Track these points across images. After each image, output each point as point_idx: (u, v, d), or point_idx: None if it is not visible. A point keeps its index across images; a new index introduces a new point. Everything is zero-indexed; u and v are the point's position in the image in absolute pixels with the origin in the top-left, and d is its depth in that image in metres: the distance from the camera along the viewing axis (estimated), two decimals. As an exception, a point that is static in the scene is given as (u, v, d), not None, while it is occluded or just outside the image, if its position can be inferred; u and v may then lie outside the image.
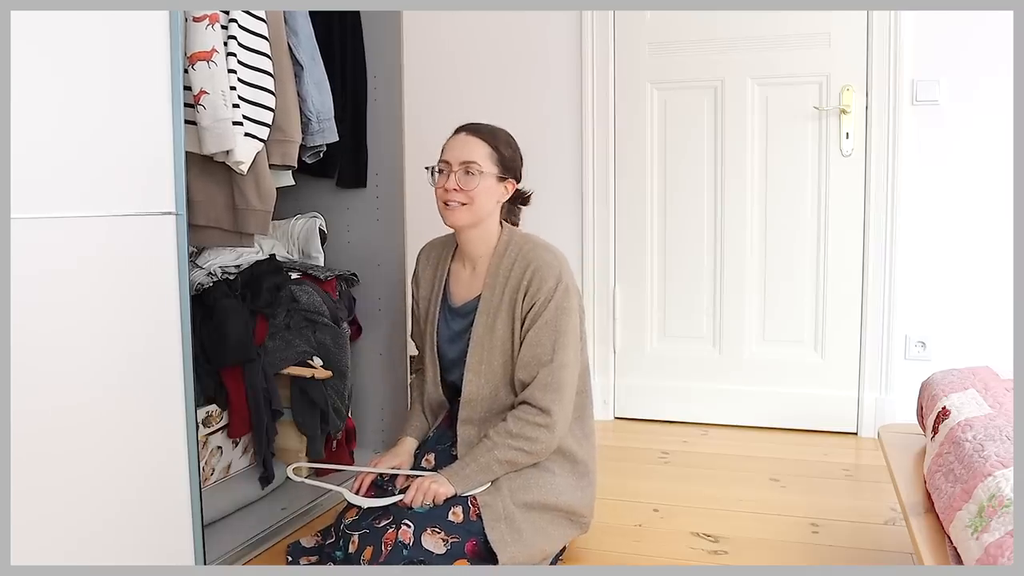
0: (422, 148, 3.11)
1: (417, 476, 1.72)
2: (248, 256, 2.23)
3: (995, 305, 2.69)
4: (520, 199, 1.91)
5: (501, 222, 1.84)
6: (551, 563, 1.78)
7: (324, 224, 2.44)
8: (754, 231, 2.95)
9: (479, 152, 1.74)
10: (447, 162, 1.76)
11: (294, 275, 2.28)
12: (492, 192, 1.77)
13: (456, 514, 1.63)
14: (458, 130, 1.81)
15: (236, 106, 1.80)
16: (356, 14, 2.40)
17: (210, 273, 2.14)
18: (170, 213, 1.55)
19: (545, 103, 3.09)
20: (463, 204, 1.73)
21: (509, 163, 1.80)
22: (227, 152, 1.81)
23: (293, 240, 2.45)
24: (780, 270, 2.94)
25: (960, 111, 2.70)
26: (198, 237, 1.93)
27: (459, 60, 3.18)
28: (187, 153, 1.70)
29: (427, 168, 1.82)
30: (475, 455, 1.71)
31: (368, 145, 2.46)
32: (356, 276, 2.45)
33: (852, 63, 2.78)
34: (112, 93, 1.44)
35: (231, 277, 2.16)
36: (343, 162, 2.44)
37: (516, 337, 1.75)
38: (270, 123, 1.90)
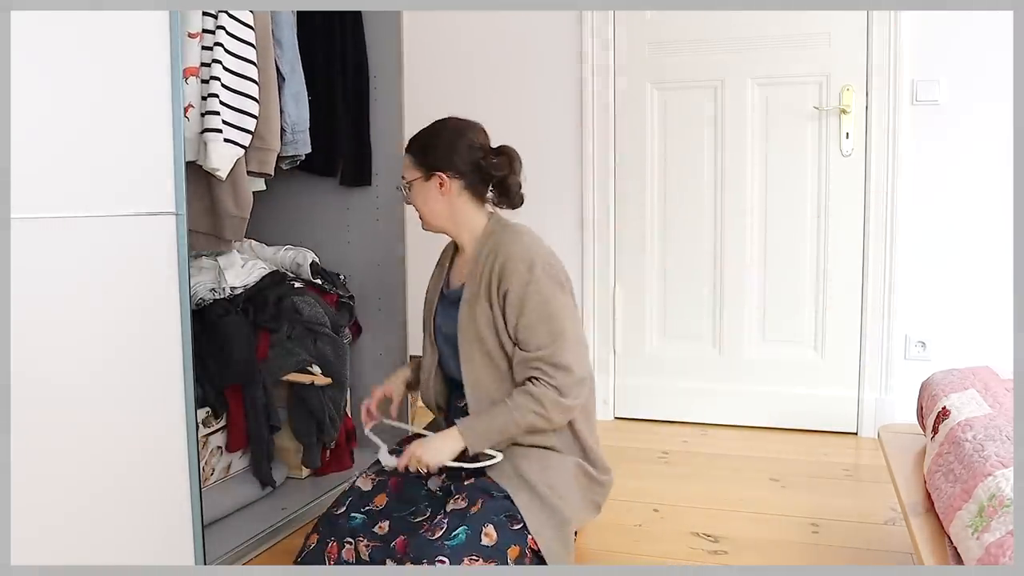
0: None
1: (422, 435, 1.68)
2: (256, 273, 2.24)
3: (995, 305, 2.69)
4: (486, 179, 1.76)
5: (490, 212, 1.79)
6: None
7: (317, 259, 2.43)
8: (754, 231, 2.95)
9: (406, 165, 1.76)
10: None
11: (297, 284, 2.29)
12: (428, 195, 1.73)
13: (489, 535, 1.50)
14: None
15: (216, 113, 1.80)
16: (357, 14, 2.40)
17: (212, 289, 2.14)
18: (170, 213, 1.55)
19: (545, 103, 3.08)
20: (420, 216, 1.78)
21: (426, 159, 1.73)
22: (206, 157, 1.83)
23: (282, 268, 2.43)
24: (780, 270, 2.94)
25: (960, 111, 2.70)
26: None
27: (459, 60, 3.18)
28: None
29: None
30: (493, 414, 1.64)
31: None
32: (354, 298, 2.46)
33: (852, 63, 2.78)
34: (110, 92, 1.44)
35: (236, 293, 2.16)
36: (347, 161, 2.44)
37: (498, 324, 1.69)
38: (253, 130, 1.90)
